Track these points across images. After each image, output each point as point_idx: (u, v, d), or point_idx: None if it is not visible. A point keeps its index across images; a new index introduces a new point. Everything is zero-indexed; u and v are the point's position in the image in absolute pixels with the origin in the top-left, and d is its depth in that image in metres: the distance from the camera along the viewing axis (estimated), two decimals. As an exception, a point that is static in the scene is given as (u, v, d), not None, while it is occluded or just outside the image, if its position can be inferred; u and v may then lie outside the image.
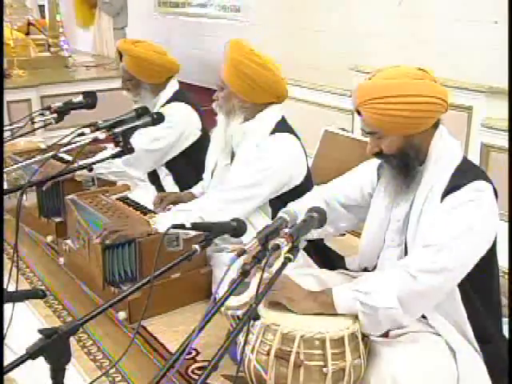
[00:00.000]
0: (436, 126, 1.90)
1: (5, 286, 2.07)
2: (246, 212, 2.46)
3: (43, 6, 7.53)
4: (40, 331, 1.23)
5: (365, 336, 1.78)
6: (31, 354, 1.19)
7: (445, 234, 1.77)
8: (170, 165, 3.27)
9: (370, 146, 1.93)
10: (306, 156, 2.65)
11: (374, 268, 2.08)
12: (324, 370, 1.67)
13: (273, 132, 2.57)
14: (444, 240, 1.76)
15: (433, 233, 1.79)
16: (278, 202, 2.44)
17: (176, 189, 3.22)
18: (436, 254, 1.75)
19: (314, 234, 2.22)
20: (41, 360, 1.21)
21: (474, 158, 3.51)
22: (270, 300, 1.83)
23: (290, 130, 2.62)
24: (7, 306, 1.86)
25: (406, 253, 1.93)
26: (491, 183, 1.85)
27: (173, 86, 3.30)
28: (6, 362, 1.21)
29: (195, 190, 3.00)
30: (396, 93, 1.80)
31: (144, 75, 3.20)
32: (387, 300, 1.72)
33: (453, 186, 1.82)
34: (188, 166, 3.23)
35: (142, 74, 3.20)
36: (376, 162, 2.10)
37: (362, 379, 1.75)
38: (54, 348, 1.22)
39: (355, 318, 1.77)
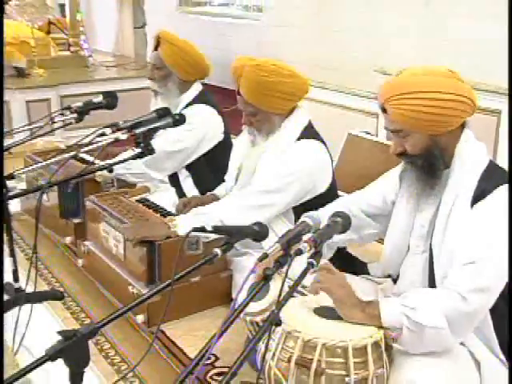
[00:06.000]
0: (462, 128, 1.86)
1: (23, 287, 2.07)
2: (267, 218, 2.41)
3: (64, 4, 7.56)
4: (59, 333, 1.21)
5: (388, 345, 1.73)
6: (50, 356, 1.17)
7: (484, 248, 1.72)
8: (190, 167, 3.24)
9: (394, 146, 1.88)
10: (332, 163, 2.61)
11: (398, 275, 2.03)
12: (346, 379, 1.62)
13: (299, 138, 2.54)
14: (484, 255, 1.71)
15: (471, 247, 1.74)
16: (302, 209, 2.37)
17: (195, 191, 3.20)
18: (481, 272, 1.70)
19: (339, 242, 2.19)
20: (59, 362, 1.19)
21: (503, 162, 3.43)
22: (323, 290, 1.76)
23: (317, 136, 2.58)
24: (25, 307, 1.87)
25: (431, 260, 1.88)
26: None
27: (197, 88, 3.28)
28: (25, 363, 1.20)
29: (218, 191, 2.96)
30: (423, 89, 1.77)
31: (178, 68, 3.18)
32: (435, 319, 1.66)
33: (481, 191, 1.78)
34: (208, 169, 3.20)
35: (177, 65, 3.17)
36: (398, 169, 2.06)
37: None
38: (73, 350, 1.20)
39: (379, 326, 1.73)
